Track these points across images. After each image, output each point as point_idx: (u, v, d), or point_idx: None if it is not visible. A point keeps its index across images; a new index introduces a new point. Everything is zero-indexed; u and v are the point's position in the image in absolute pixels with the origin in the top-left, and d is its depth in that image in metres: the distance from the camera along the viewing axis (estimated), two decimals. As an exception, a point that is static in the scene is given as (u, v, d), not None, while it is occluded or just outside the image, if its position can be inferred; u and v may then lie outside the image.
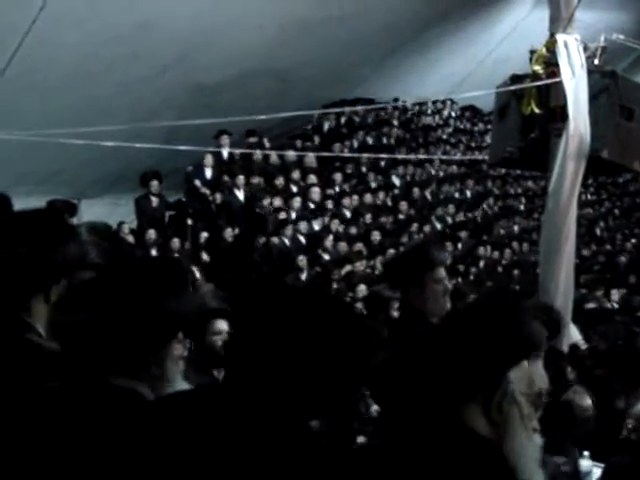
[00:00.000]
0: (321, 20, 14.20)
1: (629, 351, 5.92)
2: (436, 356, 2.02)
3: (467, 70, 16.66)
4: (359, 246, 12.26)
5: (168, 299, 1.90)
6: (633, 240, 15.57)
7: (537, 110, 8.59)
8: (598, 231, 15.63)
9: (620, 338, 8.17)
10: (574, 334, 7.71)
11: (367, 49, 16.19)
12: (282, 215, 12.41)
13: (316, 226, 12.77)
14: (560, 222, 7.93)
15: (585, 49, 8.69)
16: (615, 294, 10.78)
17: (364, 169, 15.45)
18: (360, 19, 15.14)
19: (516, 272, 11.45)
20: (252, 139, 13.67)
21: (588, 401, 4.53)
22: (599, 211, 17.37)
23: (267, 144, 14.12)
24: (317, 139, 15.50)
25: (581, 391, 4.62)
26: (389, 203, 14.97)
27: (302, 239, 12.19)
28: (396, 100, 17.15)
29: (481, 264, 13.29)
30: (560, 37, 8.54)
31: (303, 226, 12.37)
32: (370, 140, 16.84)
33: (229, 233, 11.60)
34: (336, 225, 12.87)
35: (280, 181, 13.23)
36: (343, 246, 12.32)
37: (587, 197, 17.64)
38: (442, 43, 18.24)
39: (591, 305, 10.64)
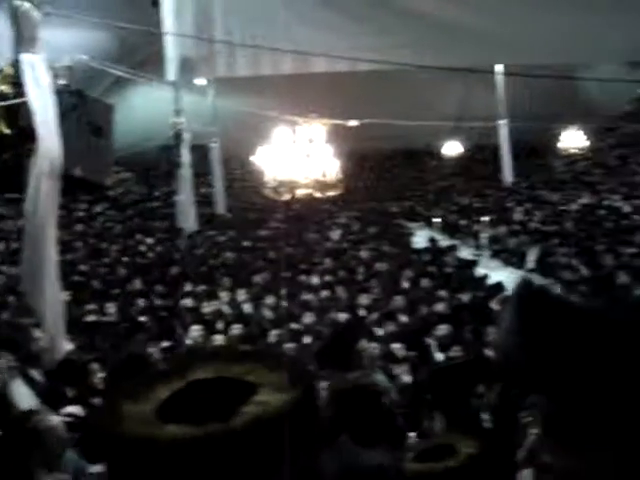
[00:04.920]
0: None
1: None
2: None
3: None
4: None
5: None
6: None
7: (7, 130, 8.43)
8: (104, 245, 15.87)
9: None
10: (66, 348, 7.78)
11: None
12: None
13: None
14: (41, 243, 7.87)
15: (52, 69, 8.75)
16: (111, 307, 11.06)
17: None
18: None
19: (11, 298, 10.98)
20: None
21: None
22: (97, 228, 17.67)
23: None
24: None
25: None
26: None
27: None
28: None
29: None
30: (25, 57, 8.47)
31: None
32: None
33: None
34: None
35: None
36: None
37: (79, 215, 17.84)
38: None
39: (91, 318, 10.81)
